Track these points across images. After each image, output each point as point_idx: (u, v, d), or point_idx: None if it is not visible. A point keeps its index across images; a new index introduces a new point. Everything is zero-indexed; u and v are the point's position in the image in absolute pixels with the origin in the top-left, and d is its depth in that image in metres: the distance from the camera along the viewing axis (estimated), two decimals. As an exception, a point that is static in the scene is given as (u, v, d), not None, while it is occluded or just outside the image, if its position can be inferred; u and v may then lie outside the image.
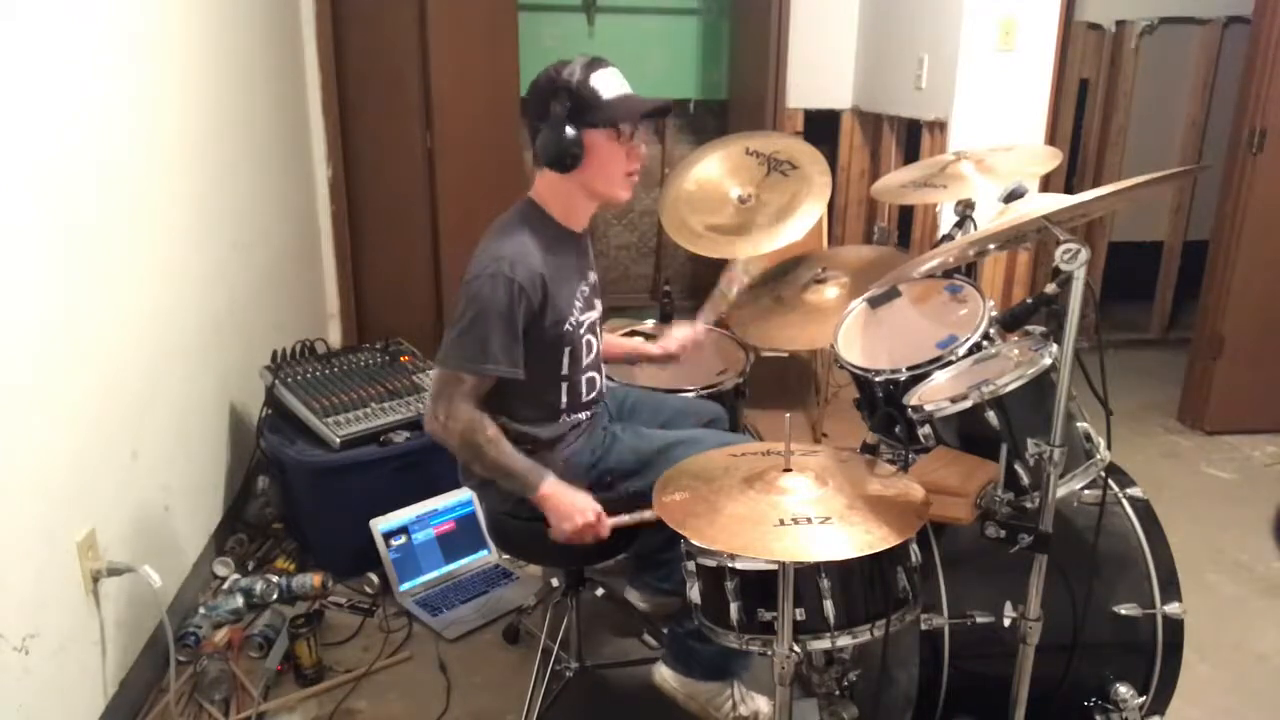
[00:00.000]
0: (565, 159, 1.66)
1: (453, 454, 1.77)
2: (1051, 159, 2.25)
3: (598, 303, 1.90)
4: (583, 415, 1.87)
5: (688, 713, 1.93)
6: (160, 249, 2.28)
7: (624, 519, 1.70)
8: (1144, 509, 1.75)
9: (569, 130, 1.64)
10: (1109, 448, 1.57)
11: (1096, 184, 4.35)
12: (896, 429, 1.67)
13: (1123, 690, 1.62)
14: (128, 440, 2.07)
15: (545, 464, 1.80)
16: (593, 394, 1.88)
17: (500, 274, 1.63)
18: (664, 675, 1.94)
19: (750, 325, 2.42)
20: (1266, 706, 2.13)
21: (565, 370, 1.80)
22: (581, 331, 1.81)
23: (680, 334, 2.13)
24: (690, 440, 1.84)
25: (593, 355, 1.86)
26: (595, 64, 1.66)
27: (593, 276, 1.88)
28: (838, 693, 1.83)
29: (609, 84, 1.66)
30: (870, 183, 4.25)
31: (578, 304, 1.79)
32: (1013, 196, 1.96)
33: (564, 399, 1.82)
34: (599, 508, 1.71)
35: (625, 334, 2.45)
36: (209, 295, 2.58)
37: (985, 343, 1.70)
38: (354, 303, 3.98)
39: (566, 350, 1.78)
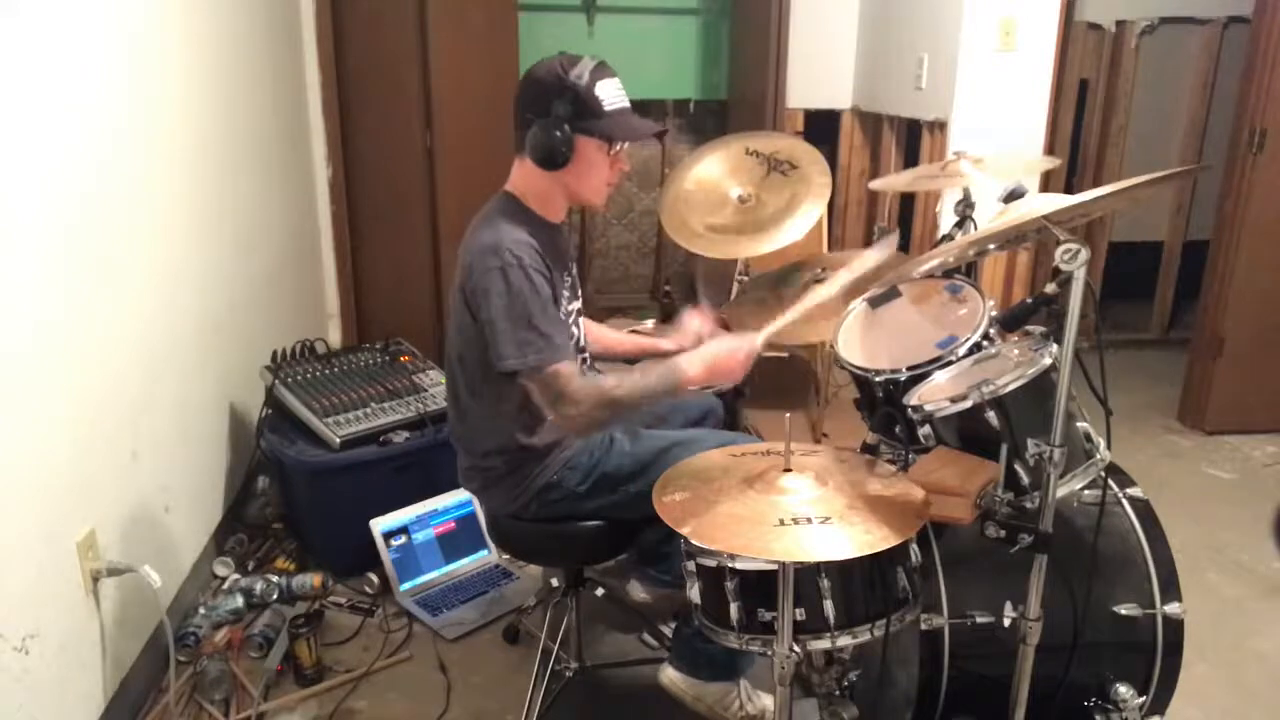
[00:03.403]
0: (555, 158, 1.67)
1: (588, 430, 1.79)
2: (1047, 165, 2.26)
3: (580, 295, 1.91)
4: None
5: (691, 713, 1.93)
6: (160, 249, 2.28)
7: (770, 330, 1.84)
8: (1144, 509, 1.75)
9: (564, 131, 1.65)
10: (1109, 448, 1.57)
11: (1096, 184, 4.34)
12: (896, 429, 1.66)
13: (1123, 690, 1.62)
14: (128, 440, 2.07)
15: (544, 469, 1.80)
16: None
17: (511, 265, 1.63)
18: (671, 677, 1.94)
19: (750, 325, 2.42)
20: (1266, 706, 2.13)
21: None
22: (569, 322, 1.81)
23: (691, 325, 2.07)
24: (689, 441, 1.83)
25: (576, 345, 1.86)
26: (601, 70, 1.67)
27: (574, 268, 1.89)
28: (838, 693, 1.83)
29: (611, 94, 1.68)
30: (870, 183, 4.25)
31: (565, 293, 1.80)
32: (1013, 196, 1.96)
33: None
34: (743, 344, 1.78)
35: (626, 333, 2.44)
36: (209, 295, 2.58)
37: (985, 343, 1.70)
38: (354, 303, 3.97)
39: None
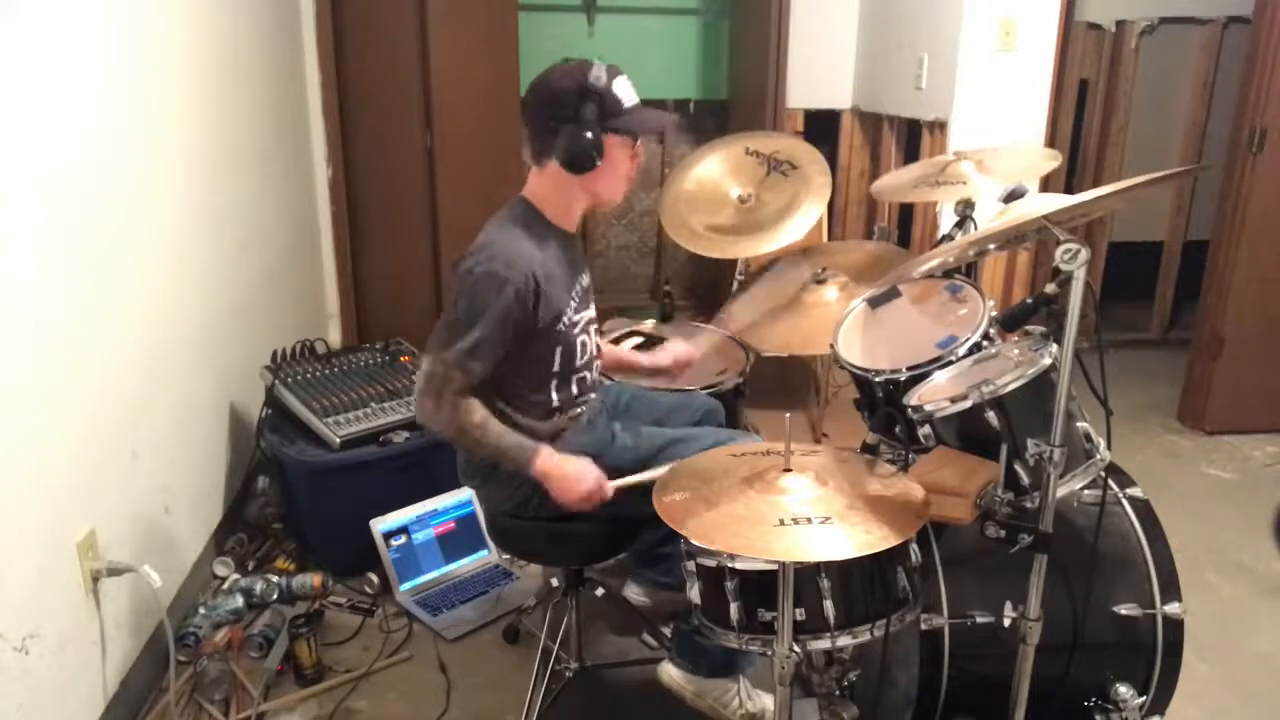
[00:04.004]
0: (586, 161, 1.69)
1: (448, 442, 1.78)
2: (1050, 160, 2.26)
3: (592, 304, 1.91)
4: (576, 410, 1.88)
5: (689, 712, 1.93)
6: (160, 249, 2.28)
7: (627, 480, 1.72)
8: (1144, 509, 1.75)
9: (595, 133, 1.67)
10: (1109, 448, 1.57)
11: (1096, 184, 4.35)
12: (896, 429, 1.66)
13: (1123, 690, 1.62)
14: (128, 440, 2.07)
15: None
16: (583, 394, 1.89)
17: (495, 273, 1.65)
18: (671, 674, 1.94)
19: (750, 327, 2.42)
20: (1266, 706, 2.13)
21: (557, 368, 1.80)
22: (576, 331, 1.82)
23: (675, 348, 2.12)
24: (689, 438, 1.84)
25: (586, 356, 1.87)
26: (613, 70, 1.70)
27: (586, 279, 1.89)
28: (838, 693, 1.83)
29: (628, 92, 1.72)
30: (870, 183, 4.25)
31: (573, 302, 1.80)
32: (1013, 196, 1.97)
33: (554, 398, 1.82)
34: (597, 472, 1.72)
35: (625, 334, 2.45)
36: (209, 295, 2.58)
37: (985, 343, 1.70)
38: (354, 303, 3.98)
39: (559, 349, 1.79)
